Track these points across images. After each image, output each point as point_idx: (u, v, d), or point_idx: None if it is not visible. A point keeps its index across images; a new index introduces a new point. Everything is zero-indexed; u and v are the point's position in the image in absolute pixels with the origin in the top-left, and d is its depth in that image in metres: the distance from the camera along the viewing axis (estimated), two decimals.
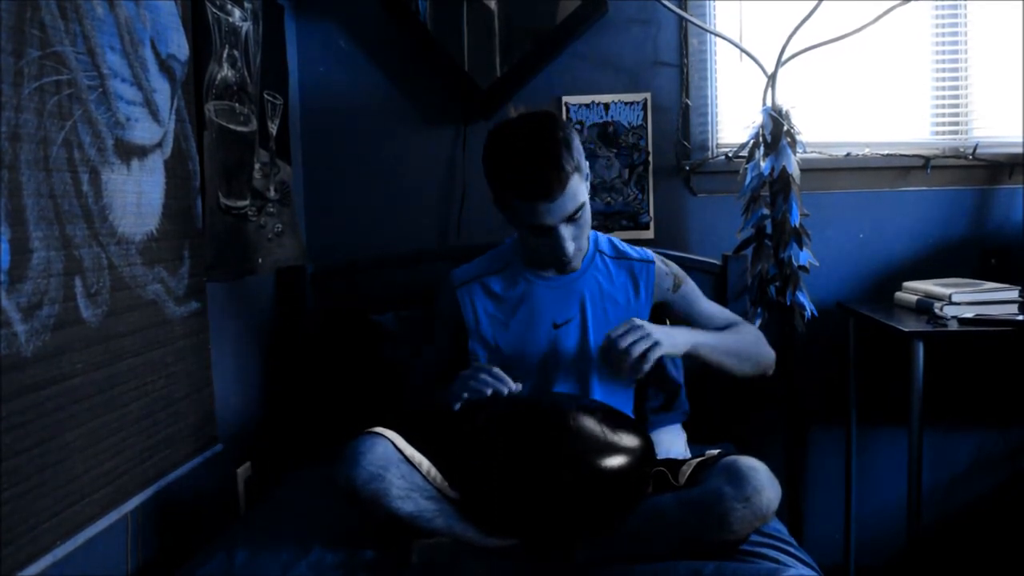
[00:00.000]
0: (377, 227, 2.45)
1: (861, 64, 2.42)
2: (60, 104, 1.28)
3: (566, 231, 1.63)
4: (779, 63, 2.19)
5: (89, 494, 1.35)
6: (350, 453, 1.42)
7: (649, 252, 1.84)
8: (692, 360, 1.71)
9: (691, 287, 1.85)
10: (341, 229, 2.46)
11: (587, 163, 1.67)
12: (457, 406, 1.56)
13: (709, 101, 2.42)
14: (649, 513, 1.42)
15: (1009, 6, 2.37)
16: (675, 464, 1.54)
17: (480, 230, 2.41)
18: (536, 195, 1.57)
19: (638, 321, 1.60)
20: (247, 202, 1.98)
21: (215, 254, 1.81)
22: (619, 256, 1.81)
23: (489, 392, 1.54)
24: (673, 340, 1.62)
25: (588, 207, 1.66)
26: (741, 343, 1.77)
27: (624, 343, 1.55)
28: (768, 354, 1.82)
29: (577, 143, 1.63)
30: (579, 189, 1.61)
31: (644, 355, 1.54)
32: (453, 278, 1.81)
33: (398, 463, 1.44)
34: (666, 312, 1.82)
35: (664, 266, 1.83)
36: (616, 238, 1.86)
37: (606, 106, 2.40)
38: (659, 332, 1.59)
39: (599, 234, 1.84)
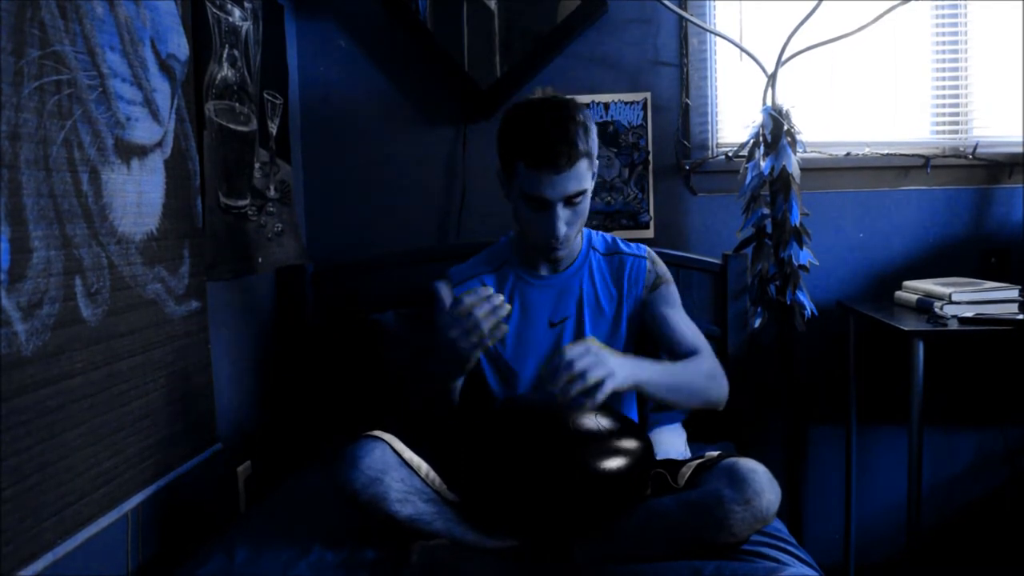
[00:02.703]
0: (377, 227, 2.45)
1: (861, 64, 2.42)
2: (60, 104, 1.28)
3: (562, 212, 1.62)
4: (779, 63, 2.19)
5: (89, 493, 1.35)
6: (349, 457, 1.42)
7: (644, 248, 1.81)
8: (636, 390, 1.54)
9: (670, 291, 1.78)
10: (341, 229, 2.46)
11: (598, 161, 1.64)
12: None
13: (709, 101, 2.42)
14: (649, 515, 1.42)
15: (1009, 6, 2.37)
16: (674, 466, 1.54)
17: (480, 230, 2.41)
18: (543, 163, 1.56)
19: (596, 343, 1.45)
20: (247, 201, 1.98)
21: (215, 253, 1.81)
22: (611, 252, 1.79)
23: (475, 340, 1.48)
24: (624, 372, 1.44)
25: (588, 199, 1.65)
26: (691, 377, 1.62)
27: (580, 366, 1.38)
28: (719, 390, 1.65)
29: (594, 134, 1.63)
30: (585, 174, 1.61)
31: (597, 385, 1.38)
32: (451, 277, 1.81)
33: (397, 466, 1.44)
34: (642, 311, 1.76)
35: (651, 263, 1.79)
36: (612, 235, 1.83)
37: (606, 106, 2.39)
38: (614, 361, 1.43)
39: (592, 232, 1.82)
